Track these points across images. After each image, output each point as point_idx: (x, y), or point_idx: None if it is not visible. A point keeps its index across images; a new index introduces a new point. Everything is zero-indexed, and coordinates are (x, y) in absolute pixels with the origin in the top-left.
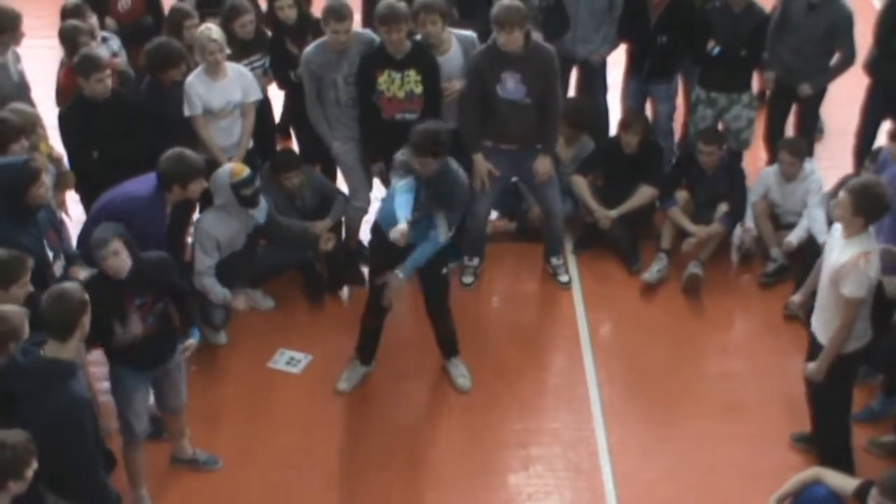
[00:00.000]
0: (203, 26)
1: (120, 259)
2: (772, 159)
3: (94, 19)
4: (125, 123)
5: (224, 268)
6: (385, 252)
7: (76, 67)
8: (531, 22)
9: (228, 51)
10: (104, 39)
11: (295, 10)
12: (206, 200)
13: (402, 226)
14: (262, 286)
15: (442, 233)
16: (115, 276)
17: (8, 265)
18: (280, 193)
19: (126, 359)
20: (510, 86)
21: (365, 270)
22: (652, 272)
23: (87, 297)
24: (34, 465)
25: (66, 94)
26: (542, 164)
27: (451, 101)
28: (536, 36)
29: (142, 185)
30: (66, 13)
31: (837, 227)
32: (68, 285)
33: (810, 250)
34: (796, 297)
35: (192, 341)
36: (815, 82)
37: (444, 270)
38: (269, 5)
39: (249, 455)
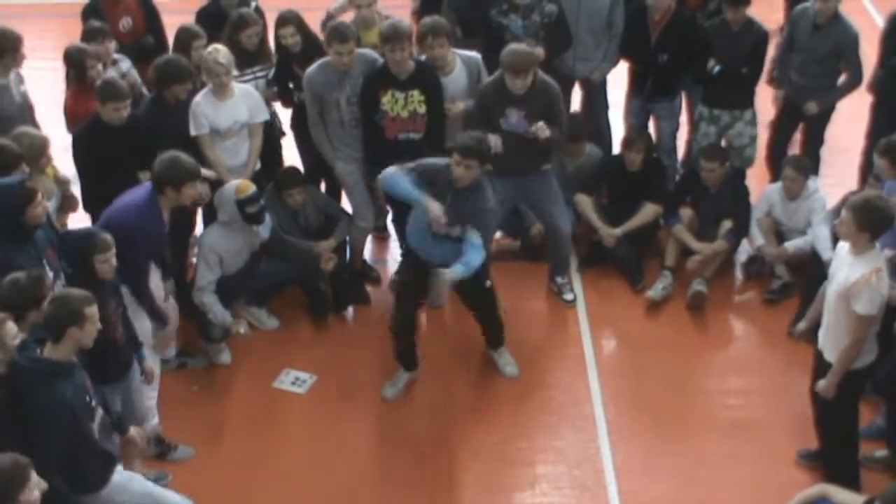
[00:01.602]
0: (211, 47)
1: (112, 262)
2: (774, 177)
3: (112, 44)
4: (140, 148)
5: (226, 284)
6: (416, 268)
7: (98, 93)
8: (534, 38)
9: (236, 72)
10: (114, 61)
11: (298, 37)
12: (211, 216)
13: (435, 205)
14: (266, 305)
15: (477, 240)
16: (105, 277)
17: (30, 289)
18: (284, 212)
19: (100, 372)
20: (514, 120)
21: (370, 289)
22: (657, 290)
23: (89, 310)
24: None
25: (74, 117)
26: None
27: (454, 122)
28: (538, 52)
29: (136, 194)
30: (87, 33)
31: (844, 246)
32: (76, 292)
33: (815, 267)
34: (802, 325)
35: (148, 362)
36: (822, 102)
37: (489, 283)
38: (274, 32)
39: (254, 474)
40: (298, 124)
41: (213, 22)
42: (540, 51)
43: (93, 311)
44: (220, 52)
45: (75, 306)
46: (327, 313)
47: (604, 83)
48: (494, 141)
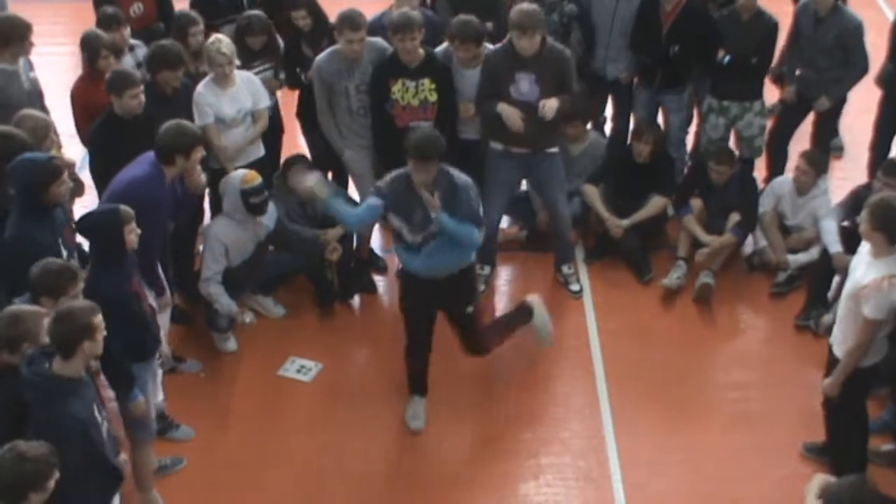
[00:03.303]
0: (213, 37)
1: (137, 232)
2: (771, 167)
3: (127, 31)
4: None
5: (233, 275)
6: (418, 290)
7: (110, 86)
8: (552, 36)
9: (238, 62)
10: (131, 47)
11: (310, 20)
12: (218, 207)
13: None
14: (272, 293)
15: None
16: (133, 247)
17: (59, 276)
18: (291, 200)
19: (139, 350)
20: (524, 87)
21: (376, 279)
22: (671, 278)
23: (97, 320)
24: (55, 475)
25: (81, 104)
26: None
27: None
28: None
29: (138, 167)
30: (101, 21)
31: (866, 244)
32: (79, 304)
33: (822, 260)
34: (827, 318)
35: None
36: (831, 94)
37: (470, 309)
38: (287, 14)
39: (258, 461)
40: (306, 112)
41: (206, 9)
42: None
43: (99, 319)
44: (222, 42)
45: (84, 320)
46: (333, 302)
47: (630, 85)
48: (513, 116)
